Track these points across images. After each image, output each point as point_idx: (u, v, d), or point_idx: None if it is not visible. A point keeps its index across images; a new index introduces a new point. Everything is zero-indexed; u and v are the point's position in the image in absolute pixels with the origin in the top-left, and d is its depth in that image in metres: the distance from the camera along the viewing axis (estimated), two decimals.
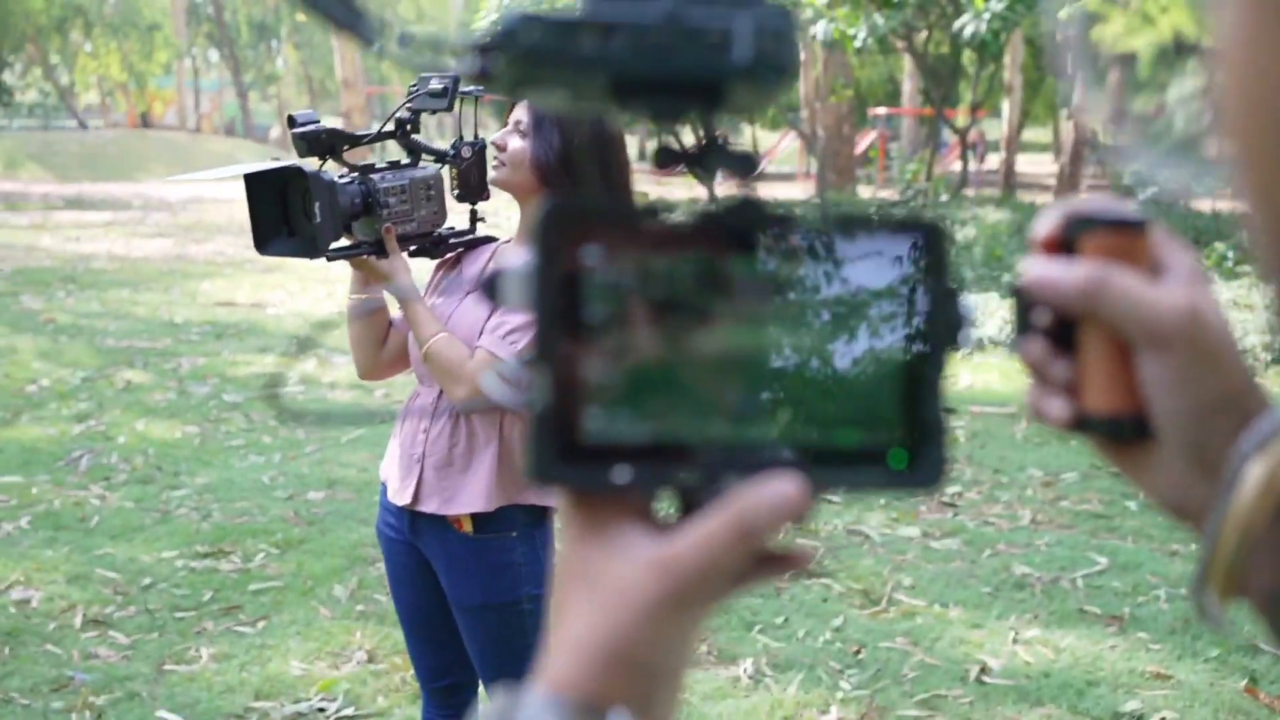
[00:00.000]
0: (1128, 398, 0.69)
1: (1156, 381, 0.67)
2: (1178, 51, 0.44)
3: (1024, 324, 0.72)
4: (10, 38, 32.31)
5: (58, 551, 4.99)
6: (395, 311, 2.74)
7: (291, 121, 2.46)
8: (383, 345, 2.77)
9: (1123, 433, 0.70)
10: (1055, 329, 0.72)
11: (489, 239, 2.78)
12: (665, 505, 0.67)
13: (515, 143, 2.55)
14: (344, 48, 23.62)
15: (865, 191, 20.25)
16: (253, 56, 41.45)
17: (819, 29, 13.42)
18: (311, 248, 2.44)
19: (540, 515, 2.68)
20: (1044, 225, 0.72)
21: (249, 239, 2.50)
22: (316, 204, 2.40)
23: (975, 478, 6.11)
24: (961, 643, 4.26)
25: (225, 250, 15.43)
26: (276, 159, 2.50)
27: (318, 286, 12.17)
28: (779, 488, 0.61)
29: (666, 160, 0.67)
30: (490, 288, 0.63)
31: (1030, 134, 28.49)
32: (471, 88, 2.56)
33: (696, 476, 0.63)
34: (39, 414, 7.19)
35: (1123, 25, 0.44)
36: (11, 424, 6.97)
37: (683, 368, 0.64)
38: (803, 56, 18.69)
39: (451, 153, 2.67)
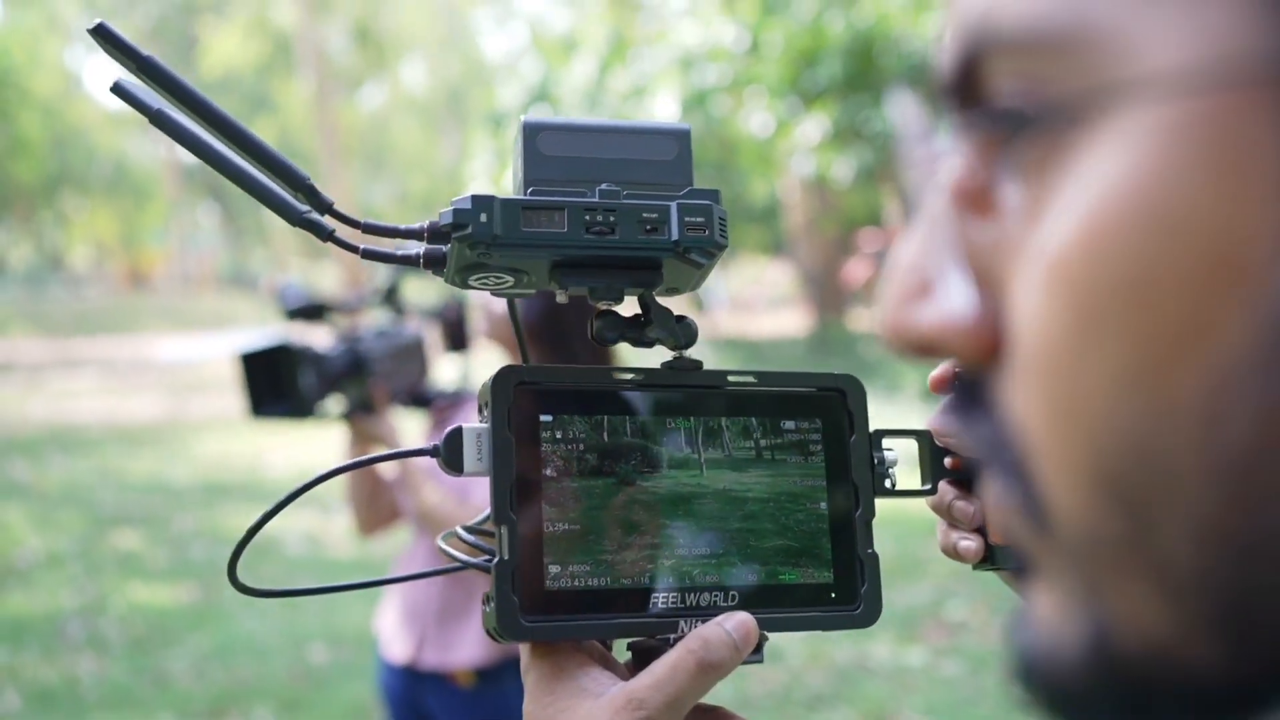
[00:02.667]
0: None
1: None
2: None
3: (934, 469, 0.81)
4: None
5: None
6: (387, 469, 2.79)
7: (282, 296, 2.56)
8: (378, 502, 2.82)
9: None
10: (960, 472, 0.80)
11: (474, 395, 2.86)
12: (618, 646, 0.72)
13: (501, 301, 2.64)
14: (340, 192, 24.03)
15: (862, 317, 20.43)
16: (248, 208, 42.07)
17: (802, 165, 13.78)
18: (302, 410, 2.53)
19: None
20: (938, 375, 0.80)
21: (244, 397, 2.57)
22: (303, 372, 2.49)
23: (975, 598, 6.09)
24: None
25: (221, 407, 15.45)
26: (270, 334, 2.60)
27: (316, 440, 12.16)
28: (737, 624, 0.67)
29: (608, 337, 0.73)
30: (447, 452, 0.69)
31: None
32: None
33: (653, 620, 0.69)
34: (28, 585, 7.08)
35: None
36: None
37: (633, 518, 0.70)
38: (796, 193, 19.03)
39: (439, 311, 2.78)
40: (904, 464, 0.80)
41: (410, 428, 2.75)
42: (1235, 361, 0.30)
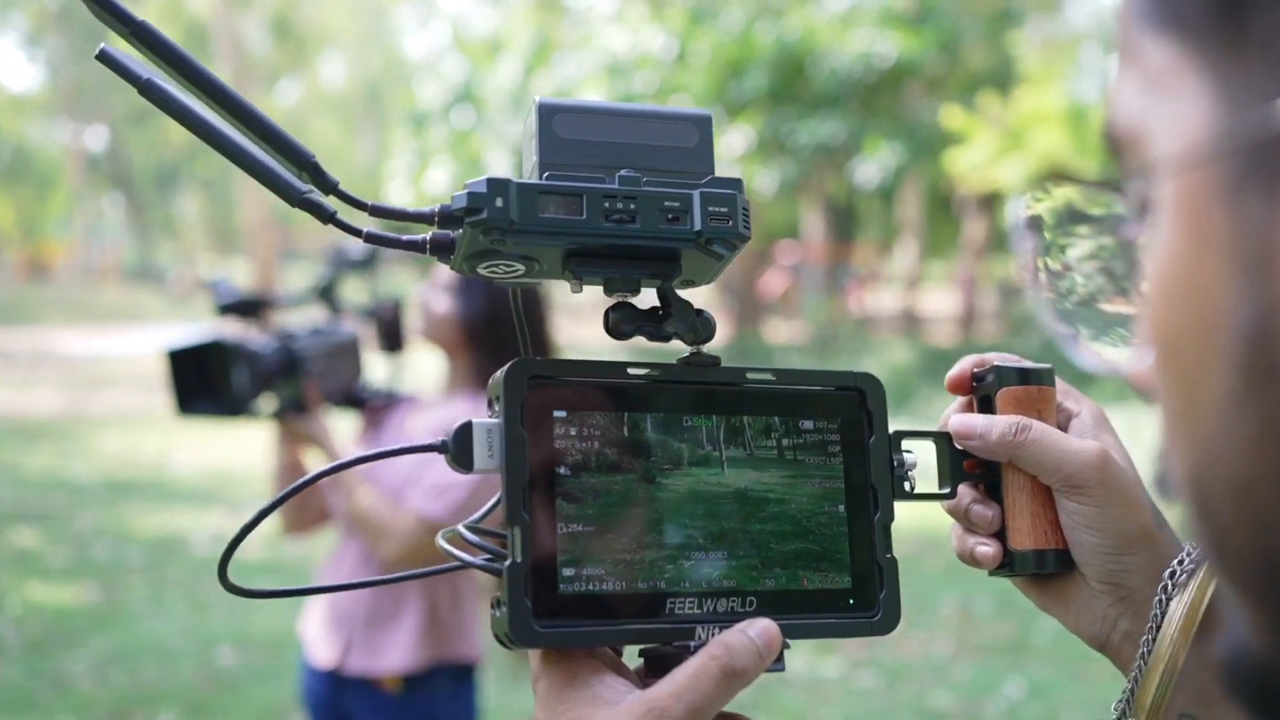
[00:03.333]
0: (1050, 534, 0.76)
1: (1075, 520, 0.74)
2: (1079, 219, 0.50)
3: (951, 472, 0.79)
4: None
5: None
6: (317, 468, 2.73)
7: (213, 291, 2.49)
8: (307, 502, 2.75)
9: (1047, 565, 0.76)
10: (978, 475, 0.79)
11: (408, 396, 2.80)
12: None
13: (441, 300, 2.60)
14: (254, 189, 23.58)
15: (779, 328, 20.59)
16: (156, 199, 41.17)
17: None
18: (234, 408, 2.46)
19: (466, 671, 2.66)
20: (956, 375, 0.80)
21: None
22: (236, 370, 2.42)
23: None
24: None
25: (126, 403, 15.06)
26: (198, 331, 2.53)
27: (225, 440, 11.91)
28: (761, 630, 0.64)
29: (625, 330, 0.69)
30: (455, 448, 0.65)
31: (936, 267, 29.41)
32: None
33: (671, 626, 0.66)
34: None
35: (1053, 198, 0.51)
36: None
37: (651, 518, 0.66)
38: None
39: (374, 310, 2.73)
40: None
41: (342, 428, 2.68)
42: (1224, 402, 0.36)
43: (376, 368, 2.84)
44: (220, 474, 9.97)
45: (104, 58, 0.65)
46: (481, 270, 0.67)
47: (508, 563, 0.63)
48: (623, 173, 0.66)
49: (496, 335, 2.60)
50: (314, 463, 2.73)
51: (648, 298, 0.72)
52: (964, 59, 16.46)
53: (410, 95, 20.56)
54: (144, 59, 0.66)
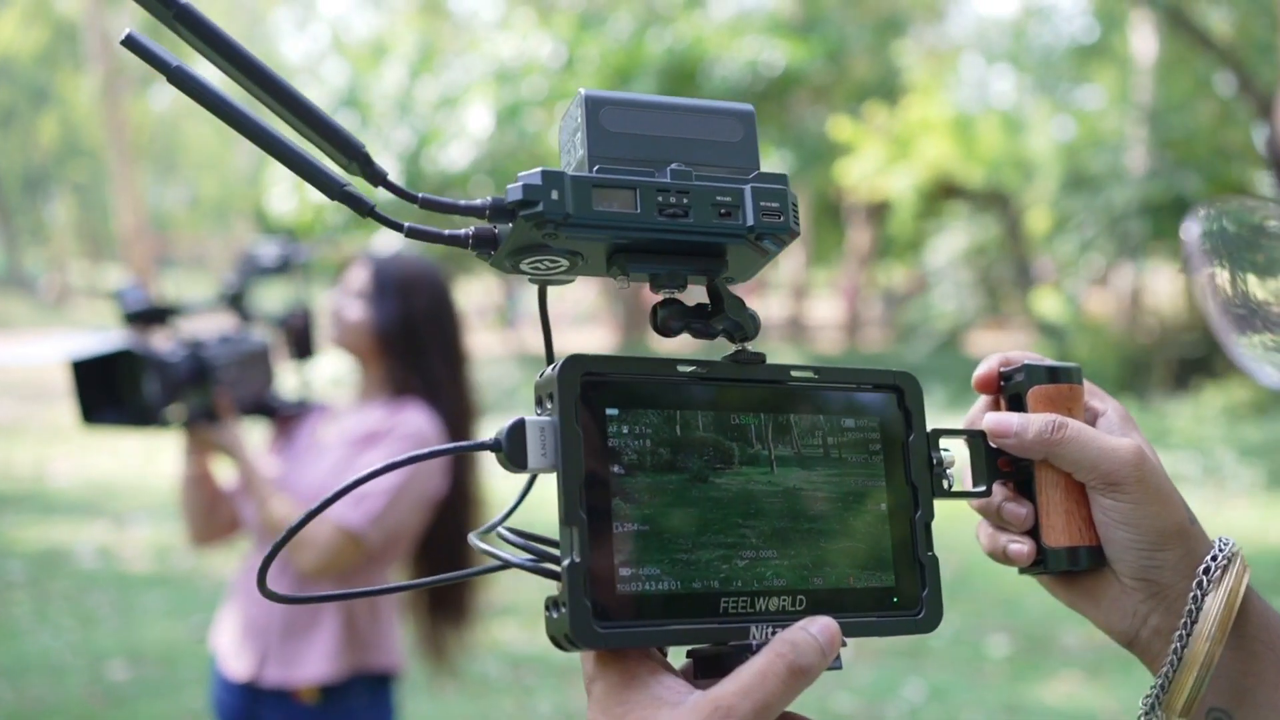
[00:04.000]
0: (1084, 531, 0.76)
1: (1110, 517, 0.75)
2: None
3: (987, 470, 0.79)
4: None
5: None
6: (227, 477, 2.67)
7: (120, 299, 2.44)
8: (217, 512, 2.69)
9: (1080, 562, 0.77)
10: (1008, 472, 0.79)
11: (320, 404, 2.76)
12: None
13: (354, 308, 2.56)
14: (128, 194, 22.88)
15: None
16: (24, 204, 39.64)
17: None
18: (143, 417, 2.40)
19: (384, 681, 2.62)
20: (984, 374, 0.80)
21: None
22: (146, 378, 2.37)
23: None
24: None
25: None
26: (104, 338, 2.46)
27: (104, 450, 11.54)
28: (822, 627, 0.64)
29: (673, 326, 0.69)
30: (509, 446, 0.63)
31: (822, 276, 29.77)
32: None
33: (725, 626, 0.66)
34: None
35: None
36: None
37: (704, 517, 0.66)
38: None
39: (284, 318, 2.69)
40: None
41: (253, 437, 2.63)
42: None
43: (287, 376, 2.79)
44: (101, 484, 9.66)
45: (130, 43, 0.63)
46: (524, 266, 0.66)
47: (566, 562, 0.62)
48: (674, 166, 0.65)
49: (411, 342, 2.58)
50: (224, 472, 2.67)
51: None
52: (850, 68, 16.74)
53: None
54: (169, 47, 0.64)
